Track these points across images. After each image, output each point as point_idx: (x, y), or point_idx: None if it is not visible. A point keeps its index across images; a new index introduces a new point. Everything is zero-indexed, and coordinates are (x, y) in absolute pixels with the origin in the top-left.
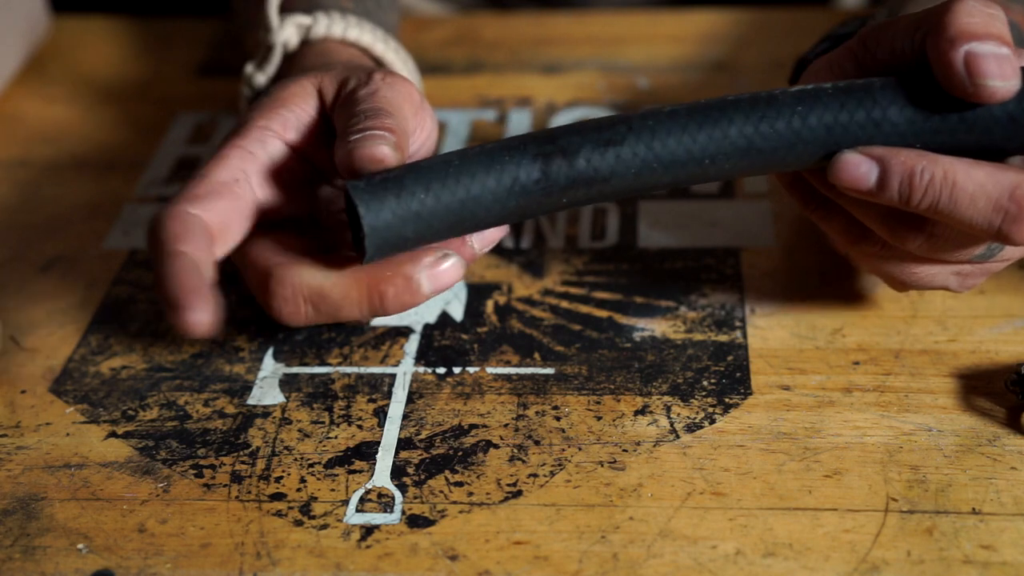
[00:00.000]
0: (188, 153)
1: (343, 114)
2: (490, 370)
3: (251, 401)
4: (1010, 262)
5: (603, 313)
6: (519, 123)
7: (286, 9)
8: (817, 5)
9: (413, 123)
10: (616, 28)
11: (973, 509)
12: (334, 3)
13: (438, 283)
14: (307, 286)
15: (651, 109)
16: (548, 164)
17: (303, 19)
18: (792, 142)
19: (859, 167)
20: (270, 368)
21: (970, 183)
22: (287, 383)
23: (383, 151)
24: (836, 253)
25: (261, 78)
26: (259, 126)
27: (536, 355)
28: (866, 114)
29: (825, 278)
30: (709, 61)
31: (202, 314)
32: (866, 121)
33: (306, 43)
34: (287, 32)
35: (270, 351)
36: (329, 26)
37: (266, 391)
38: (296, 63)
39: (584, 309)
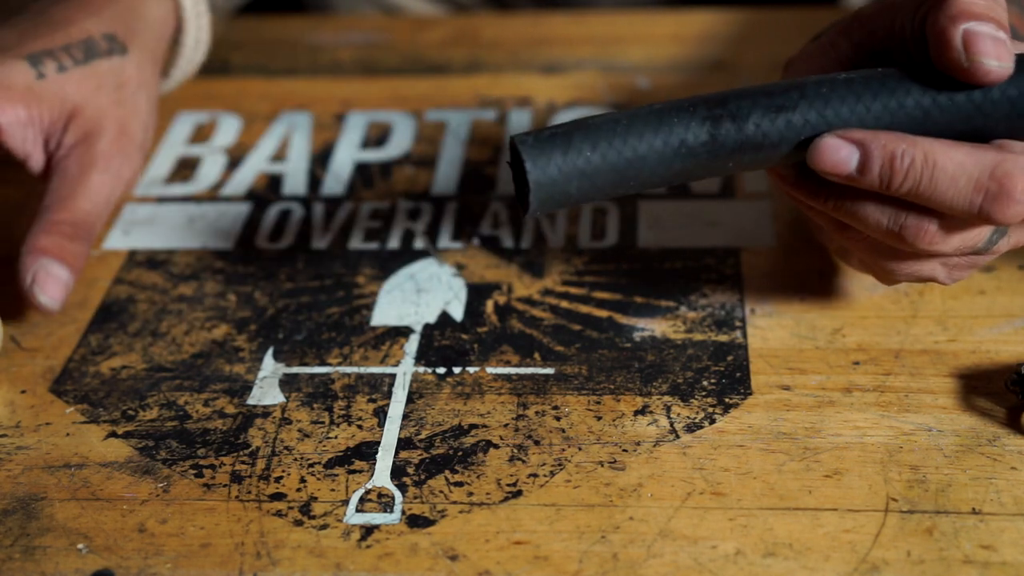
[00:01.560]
0: (188, 153)
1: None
2: (490, 370)
3: (251, 401)
4: (998, 254)
5: (603, 313)
6: (519, 123)
7: None
8: (817, 5)
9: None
10: (616, 28)
11: (973, 509)
12: None
13: None
14: None
15: (825, 76)
16: (717, 127)
17: None
18: (970, 114)
19: (839, 151)
20: (270, 368)
21: (950, 164)
22: (287, 383)
23: (46, 302)
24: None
25: None
26: None
27: (536, 355)
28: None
29: (825, 278)
30: (709, 61)
31: None
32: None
33: None
34: None
35: (270, 351)
36: None
37: (266, 391)
38: None
39: (584, 309)
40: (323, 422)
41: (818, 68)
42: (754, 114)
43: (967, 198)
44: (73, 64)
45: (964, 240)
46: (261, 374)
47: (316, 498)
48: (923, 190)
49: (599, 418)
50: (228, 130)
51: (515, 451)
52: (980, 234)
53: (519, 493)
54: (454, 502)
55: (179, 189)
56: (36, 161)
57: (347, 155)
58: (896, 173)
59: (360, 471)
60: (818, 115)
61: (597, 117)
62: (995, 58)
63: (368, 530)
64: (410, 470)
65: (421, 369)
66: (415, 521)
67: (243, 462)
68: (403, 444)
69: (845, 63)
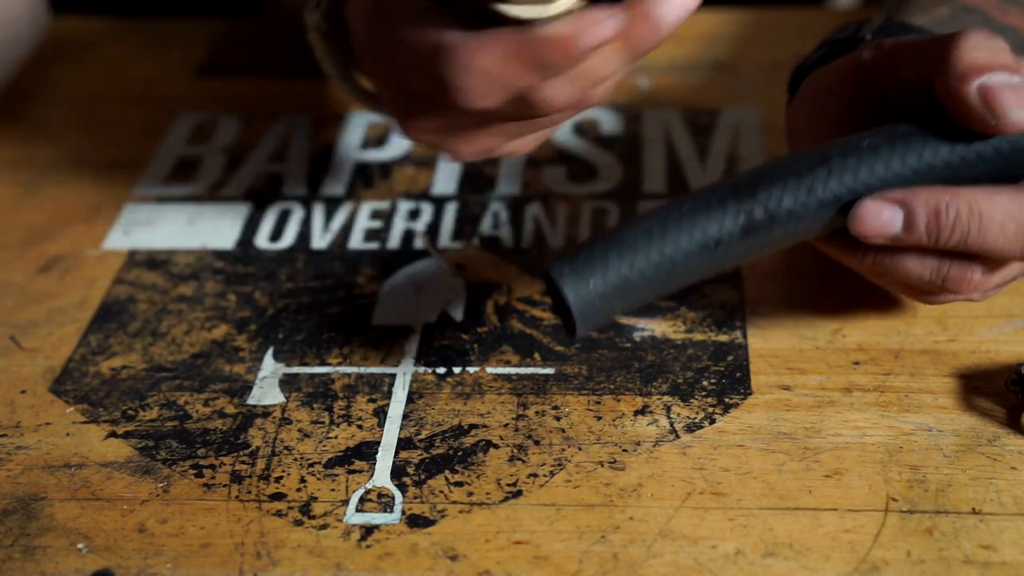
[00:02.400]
0: (188, 153)
1: None
2: (490, 370)
3: (251, 401)
4: None
5: None
6: None
7: None
8: (817, 5)
9: None
10: None
11: (973, 509)
12: None
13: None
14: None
15: (847, 145)
16: (750, 219)
17: None
18: (997, 161)
19: (880, 214)
20: (270, 368)
21: (997, 211)
22: (287, 383)
23: None
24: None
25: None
26: None
27: (536, 355)
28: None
29: (825, 278)
30: (709, 61)
31: None
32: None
33: None
34: None
35: (270, 351)
36: None
37: (266, 391)
38: None
39: None
40: (323, 422)
41: (827, 118)
42: (785, 199)
43: (1019, 243)
44: None
45: (1006, 276)
46: (261, 374)
47: (316, 498)
48: (972, 241)
49: (599, 418)
50: (228, 130)
51: (515, 451)
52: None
53: (519, 493)
54: (454, 502)
55: (179, 189)
56: None
57: (347, 155)
58: (943, 227)
59: (360, 471)
60: (849, 188)
61: (628, 227)
62: (1019, 106)
63: (368, 530)
64: (410, 470)
65: (421, 369)
66: (415, 521)
67: (243, 462)
68: (403, 444)
69: (853, 109)
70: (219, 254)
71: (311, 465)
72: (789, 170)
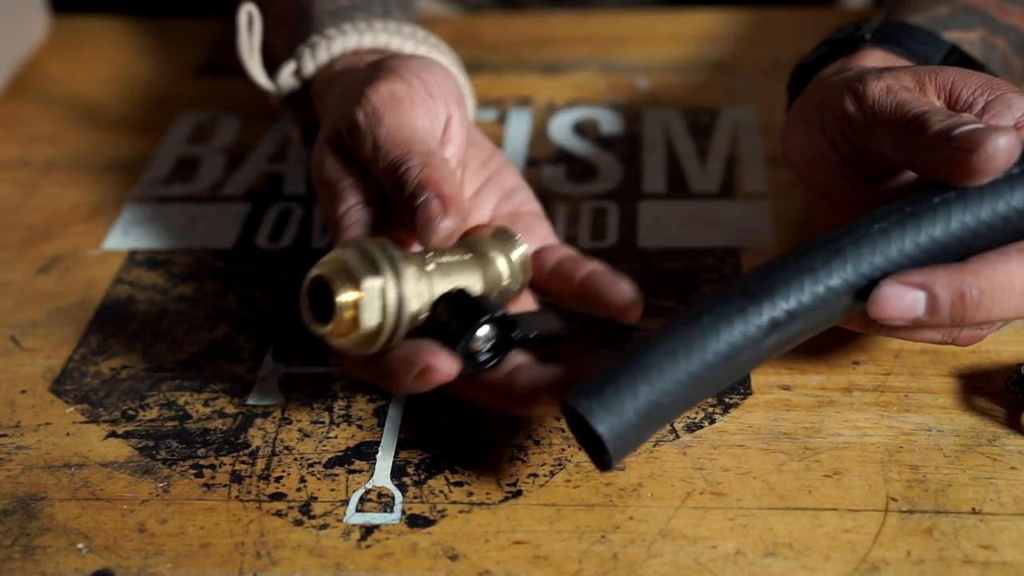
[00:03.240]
0: (188, 153)
1: (384, 180)
2: None
3: (251, 401)
4: None
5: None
6: (519, 123)
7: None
8: (817, 5)
9: (432, 126)
10: (616, 28)
11: (973, 509)
12: (364, 4)
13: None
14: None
15: (858, 230)
16: (773, 325)
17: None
18: (1012, 218)
19: (902, 299)
20: (270, 368)
21: (1017, 280)
22: (287, 383)
23: (442, 231)
24: None
25: (309, 66)
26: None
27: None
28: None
29: None
30: (709, 61)
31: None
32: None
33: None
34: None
35: (270, 351)
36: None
37: (266, 391)
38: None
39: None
40: (323, 422)
41: (816, 148)
42: (804, 296)
43: None
44: None
45: (1014, 322)
46: (261, 374)
47: (316, 498)
48: (994, 316)
49: None
50: (228, 130)
51: (515, 451)
52: None
53: (519, 493)
54: (454, 502)
55: (179, 189)
56: None
57: None
58: (968, 310)
59: (360, 471)
60: (865, 276)
61: (648, 349)
62: (991, 136)
63: (368, 530)
64: (410, 470)
65: None
66: (415, 521)
67: (243, 462)
68: (403, 444)
69: (840, 146)
70: (219, 254)
71: (311, 465)
72: (803, 266)
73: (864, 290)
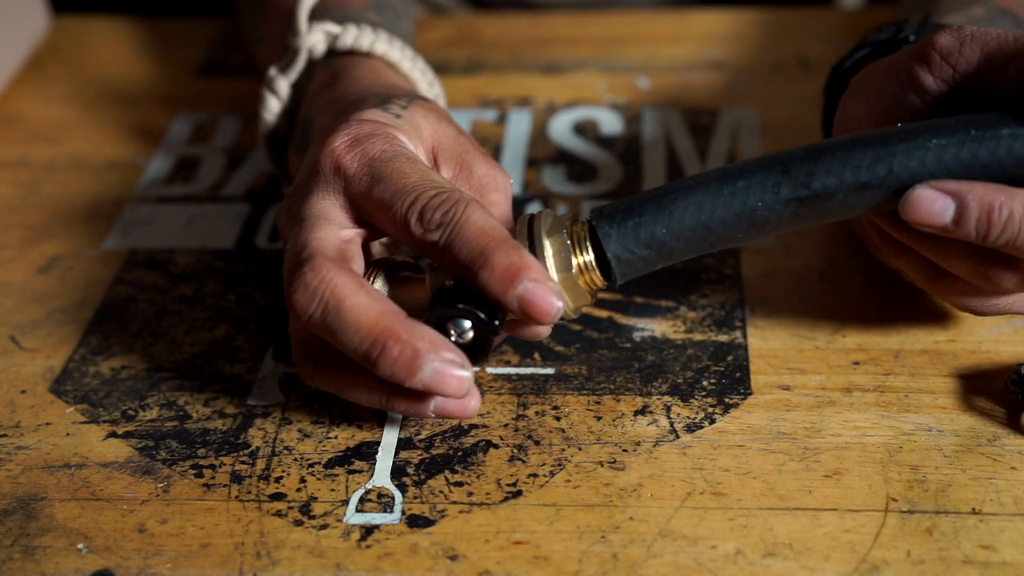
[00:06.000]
0: (188, 153)
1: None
2: (490, 370)
3: (251, 401)
4: None
5: (603, 313)
6: (519, 123)
7: (315, 17)
8: (817, 5)
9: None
10: (616, 28)
11: (973, 509)
12: (361, 15)
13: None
14: (335, 288)
15: (912, 136)
16: (806, 205)
17: (332, 27)
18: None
19: (934, 203)
20: (270, 368)
21: None
22: (287, 383)
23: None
24: (836, 254)
25: (283, 83)
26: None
27: (536, 355)
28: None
29: (825, 278)
30: (709, 61)
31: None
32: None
33: (332, 53)
34: (314, 38)
35: (270, 351)
36: (357, 38)
37: (266, 391)
38: (319, 79)
39: (584, 309)
40: (323, 422)
41: (886, 105)
42: (842, 195)
43: None
44: (407, 103)
45: (1014, 322)
46: (261, 374)
47: (316, 498)
48: (1020, 243)
49: (599, 418)
50: (228, 130)
51: (515, 451)
52: None
53: (519, 493)
54: (454, 502)
55: (179, 189)
56: None
57: None
58: (994, 225)
59: (360, 471)
60: (912, 173)
61: (679, 198)
62: None
63: (368, 530)
64: (410, 470)
65: None
66: (415, 521)
67: (243, 462)
68: (403, 444)
69: (919, 94)
70: (219, 254)
71: (311, 465)
72: (850, 162)
73: (900, 189)
